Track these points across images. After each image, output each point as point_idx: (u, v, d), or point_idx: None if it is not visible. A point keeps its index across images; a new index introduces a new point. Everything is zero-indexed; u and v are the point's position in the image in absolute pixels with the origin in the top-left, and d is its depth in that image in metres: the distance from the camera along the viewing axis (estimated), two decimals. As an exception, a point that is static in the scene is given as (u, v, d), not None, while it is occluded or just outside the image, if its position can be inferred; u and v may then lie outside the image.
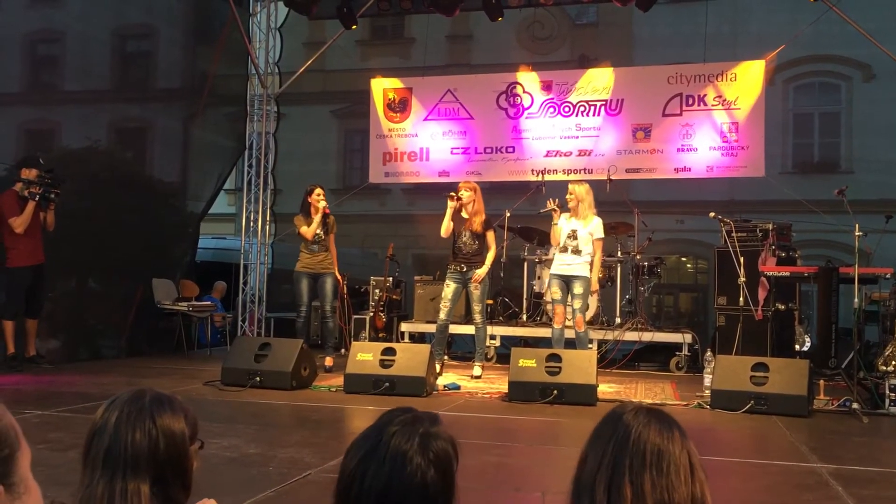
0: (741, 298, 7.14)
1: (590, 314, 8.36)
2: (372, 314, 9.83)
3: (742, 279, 7.13)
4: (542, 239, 9.77)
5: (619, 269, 9.25)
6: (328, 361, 7.71)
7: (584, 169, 10.18)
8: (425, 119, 10.89)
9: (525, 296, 9.67)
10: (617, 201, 9.44)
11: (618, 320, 9.09)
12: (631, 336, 8.70)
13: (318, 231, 7.57)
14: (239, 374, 6.56)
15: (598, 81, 10.35)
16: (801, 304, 8.53)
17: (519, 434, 5.29)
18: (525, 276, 9.80)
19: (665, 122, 10.04)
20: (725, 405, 5.84)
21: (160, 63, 10.79)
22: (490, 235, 7.34)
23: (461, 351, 9.81)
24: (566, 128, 10.38)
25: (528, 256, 9.76)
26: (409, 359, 6.41)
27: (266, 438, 4.56)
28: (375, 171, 11.14)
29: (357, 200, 12.03)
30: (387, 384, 6.24)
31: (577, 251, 7.04)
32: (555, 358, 6.25)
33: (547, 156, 10.40)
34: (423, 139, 10.88)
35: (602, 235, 7.20)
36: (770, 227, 8.08)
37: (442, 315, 7.37)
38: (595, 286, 7.25)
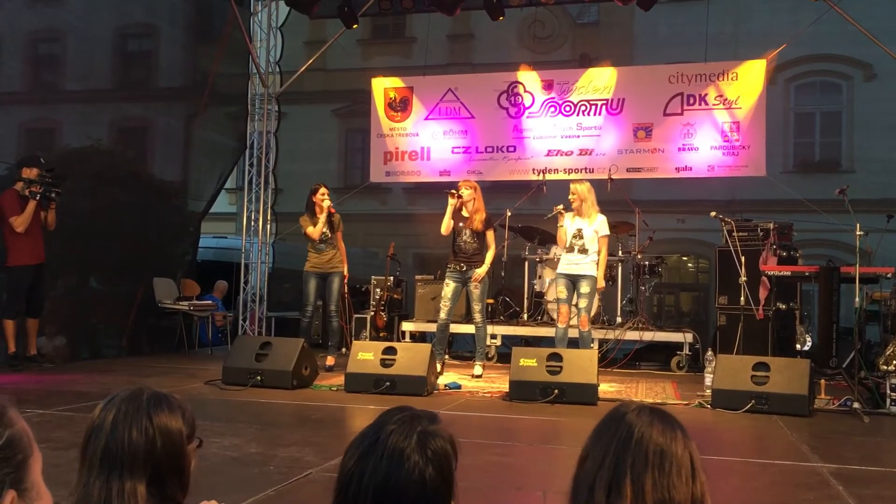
0: (742, 298, 7.14)
1: (591, 313, 8.37)
2: (373, 313, 9.83)
3: (743, 278, 7.13)
4: (543, 238, 9.77)
5: (620, 269, 9.25)
6: (329, 360, 7.72)
7: (586, 168, 10.18)
8: (426, 118, 10.89)
9: (526, 295, 9.67)
10: (618, 201, 9.44)
11: (619, 320, 9.09)
12: (632, 335, 8.70)
13: (324, 230, 7.58)
14: (240, 373, 6.56)
15: (599, 81, 10.35)
16: (802, 304, 8.53)
17: (520, 433, 5.30)
18: (526, 276, 9.80)
19: (666, 122, 10.04)
20: (726, 405, 5.84)
21: (161, 62, 10.79)
22: (490, 235, 7.34)
23: (462, 350, 9.82)
24: (567, 127, 10.38)
25: (529, 256, 9.76)
26: (410, 358, 6.42)
27: (267, 438, 4.57)
28: (376, 171, 11.14)
29: (358, 200, 12.04)
30: (388, 383, 6.24)
31: (583, 250, 7.05)
32: (556, 357, 6.25)
33: (548, 155, 10.40)
34: (423, 138, 10.88)
35: (607, 232, 7.21)
36: (771, 226, 8.08)
37: (442, 314, 7.37)
38: (602, 283, 7.26)
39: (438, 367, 7.08)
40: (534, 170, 10.34)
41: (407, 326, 9.63)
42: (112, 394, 1.56)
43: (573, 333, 7.18)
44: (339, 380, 6.69)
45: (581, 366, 6.19)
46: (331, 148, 16.31)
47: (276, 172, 11.25)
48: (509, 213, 9.56)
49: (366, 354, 6.51)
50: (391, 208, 14.91)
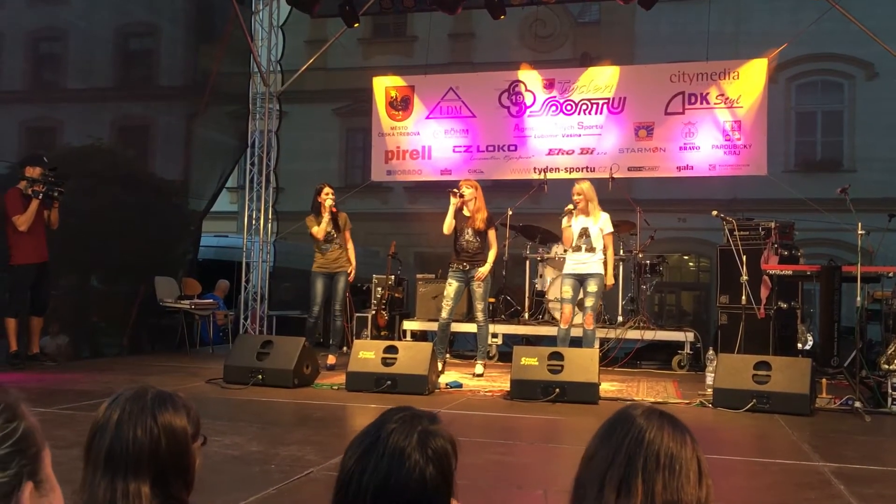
0: (743, 297, 7.13)
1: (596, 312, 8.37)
2: (374, 312, 9.84)
3: (744, 278, 7.12)
4: (544, 237, 9.77)
5: (621, 268, 9.24)
6: (330, 359, 7.72)
7: (587, 167, 10.18)
8: (427, 117, 10.88)
9: (527, 294, 9.67)
10: (619, 200, 9.43)
11: (620, 319, 9.08)
12: (633, 334, 8.70)
13: (329, 230, 7.58)
14: (241, 371, 6.56)
15: (600, 79, 10.35)
16: (804, 303, 8.52)
17: (521, 432, 5.30)
18: (527, 275, 9.80)
19: (667, 121, 10.03)
20: (727, 404, 5.84)
21: (162, 61, 10.79)
22: (491, 234, 7.35)
23: (463, 349, 9.82)
24: (568, 126, 10.37)
25: (531, 255, 9.76)
26: (411, 357, 6.42)
27: (268, 436, 4.57)
28: (377, 170, 11.14)
29: (359, 199, 12.03)
30: (389, 382, 6.24)
31: (591, 249, 7.05)
32: (557, 356, 6.25)
33: (549, 154, 10.40)
34: (424, 137, 10.87)
35: (611, 230, 7.22)
36: (772, 225, 8.07)
37: (444, 313, 7.37)
38: (611, 280, 7.27)
39: (440, 365, 7.08)
40: (535, 169, 10.33)
41: (408, 325, 9.63)
42: (116, 393, 1.56)
43: (576, 332, 7.18)
44: (341, 378, 6.69)
45: (582, 365, 6.19)
46: (332, 147, 16.32)
47: (277, 171, 11.25)
48: (510, 212, 9.56)
49: (367, 353, 6.51)
50: (392, 207, 14.91)
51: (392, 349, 6.51)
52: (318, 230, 7.53)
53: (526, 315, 9.47)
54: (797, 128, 14.77)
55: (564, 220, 7.16)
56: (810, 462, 4.23)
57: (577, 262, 7.12)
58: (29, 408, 0.93)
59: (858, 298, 6.16)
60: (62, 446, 3.84)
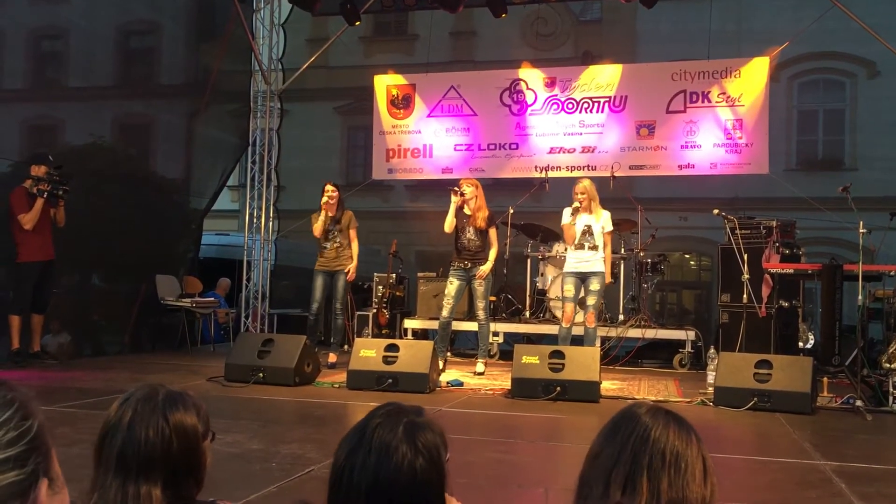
0: (745, 295, 7.13)
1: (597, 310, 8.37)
2: (375, 311, 9.84)
3: (746, 276, 7.12)
4: (545, 236, 9.77)
5: (622, 266, 9.24)
6: (331, 358, 7.72)
7: (588, 166, 10.17)
8: (428, 116, 10.88)
9: (528, 292, 9.67)
10: (620, 198, 9.43)
11: (621, 317, 9.08)
12: (634, 333, 8.70)
13: (330, 228, 7.59)
14: (242, 370, 6.57)
15: (601, 78, 10.34)
16: (805, 302, 8.52)
17: (522, 430, 5.30)
18: (528, 273, 9.79)
19: (669, 119, 10.02)
20: (728, 402, 5.84)
21: (164, 59, 10.79)
22: (493, 232, 7.36)
23: (464, 347, 9.83)
24: (570, 124, 10.36)
25: (532, 253, 9.76)
26: (412, 355, 6.42)
27: (269, 434, 4.57)
28: (378, 168, 11.14)
29: (360, 197, 12.01)
30: (390, 380, 6.25)
31: (594, 247, 7.06)
32: (558, 355, 6.26)
33: (550, 153, 10.39)
34: (426, 136, 10.87)
35: (611, 228, 7.25)
36: (774, 224, 8.07)
37: (445, 312, 7.38)
38: (609, 278, 7.28)
39: (441, 364, 7.09)
40: (536, 167, 10.32)
41: (409, 324, 9.63)
42: (127, 392, 1.56)
43: (577, 331, 7.18)
44: (342, 377, 6.69)
45: (583, 363, 6.19)
46: (333, 145, 16.31)
47: (278, 170, 11.24)
48: (511, 211, 9.55)
49: (368, 352, 6.51)
50: (393, 205, 14.90)
51: (393, 347, 6.52)
52: (316, 228, 7.55)
53: (527, 313, 9.47)
54: (799, 126, 14.74)
55: (568, 218, 7.14)
56: (811, 460, 4.23)
57: (579, 261, 7.12)
58: (38, 405, 0.94)
59: (860, 297, 6.15)
60: (63, 444, 3.84)
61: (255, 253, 10.91)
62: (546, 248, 9.66)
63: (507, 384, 6.40)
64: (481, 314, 7.35)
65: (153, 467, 1.47)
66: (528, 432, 5.26)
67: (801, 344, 7.72)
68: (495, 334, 8.88)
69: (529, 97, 10.54)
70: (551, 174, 10.05)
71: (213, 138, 10.94)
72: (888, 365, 5.91)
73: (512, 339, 9.10)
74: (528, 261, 9.79)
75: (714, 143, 9.88)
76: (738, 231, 7.51)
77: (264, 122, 11.06)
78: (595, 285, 7.04)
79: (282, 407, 5.76)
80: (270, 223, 11.12)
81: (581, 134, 10.32)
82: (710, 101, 9.90)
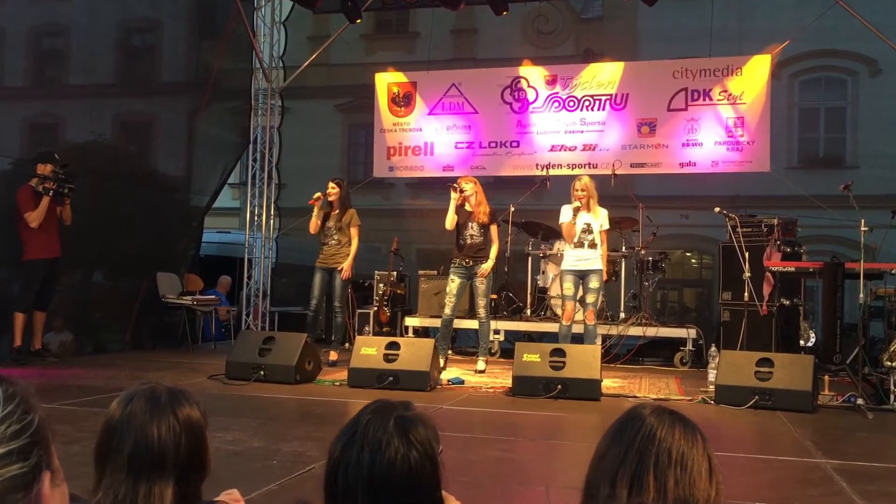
0: (746, 294, 7.12)
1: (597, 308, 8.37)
2: (376, 309, 9.84)
3: (747, 274, 7.11)
4: (546, 234, 9.76)
5: (623, 264, 9.23)
6: (332, 356, 7.72)
7: (589, 164, 10.16)
8: (429, 113, 10.87)
9: (529, 290, 9.66)
10: (621, 196, 9.42)
11: (622, 315, 9.08)
12: (635, 331, 8.69)
13: (330, 224, 7.60)
14: (243, 367, 6.57)
15: (602, 76, 10.32)
16: (806, 300, 8.50)
17: (522, 429, 5.29)
18: (529, 271, 9.79)
19: (670, 117, 10.00)
20: (730, 400, 5.84)
21: (164, 57, 10.78)
22: (494, 230, 7.38)
23: (465, 345, 9.83)
24: (571, 122, 10.35)
25: (533, 251, 9.75)
26: (413, 353, 6.42)
27: (270, 432, 4.57)
28: (379, 166, 11.14)
29: (361, 195, 12.00)
30: (390, 378, 6.25)
31: (593, 245, 7.07)
32: (559, 353, 6.25)
33: (552, 150, 10.38)
34: (427, 133, 10.86)
35: (608, 226, 7.25)
36: (775, 222, 8.05)
37: (447, 310, 7.38)
38: (605, 276, 7.29)
39: (441, 362, 7.08)
40: (537, 165, 10.30)
41: (410, 321, 9.62)
42: (128, 392, 1.55)
43: (578, 329, 7.18)
44: (343, 375, 6.69)
45: (584, 361, 6.18)
46: (334, 143, 16.30)
47: (279, 167, 11.24)
48: (513, 209, 9.55)
49: (369, 349, 6.51)
50: (394, 203, 14.90)
51: (394, 345, 6.51)
52: (310, 224, 7.59)
53: (528, 311, 9.47)
54: (800, 124, 14.72)
55: (569, 217, 7.11)
56: (812, 459, 4.23)
57: (578, 259, 7.11)
58: (39, 400, 0.95)
59: (861, 295, 6.15)
60: (64, 442, 3.84)
61: (255, 251, 10.92)
62: (547, 245, 9.65)
63: (508, 382, 6.40)
64: (482, 312, 7.35)
65: (165, 465, 1.48)
66: (529, 430, 5.26)
67: (802, 342, 7.69)
68: (496, 332, 8.88)
69: (530, 95, 10.53)
70: (552, 172, 10.04)
71: (213, 136, 10.94)
72: (889, 363, 5.90)
73: (513, 336, 9.09)
74: (529, 259, 9.78)
75: (715, 141, 9.87)
76: (739, 229, 7.50)
77: (265, 120, 11.06)
78: (594, 283, 7.04)
79: (283, 405, 5.76)
80: (271, 221, 11.12)
81: (582, 132, 10.31)
82: (711, 98, 9.88)
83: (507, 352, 8.63)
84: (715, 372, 6.25)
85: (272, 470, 3.63)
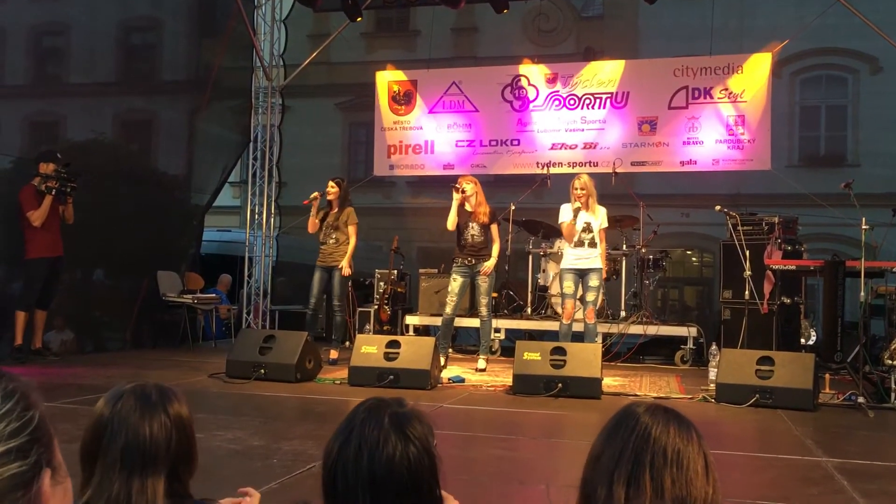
0: (747, 292, 7.12)
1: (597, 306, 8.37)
2: (376, 307, 9.84)
3: (748, 273, 7.10)
4: (547, 232, 9.76)
5: (624, 263, 9.23)
6: (333, 354, 7.72)
7: (590, 162, 10.15)
8: (430, 112, 10.86)
9: (530, 289, 9.66)
10: (622, 194, 9.41)
11: (623, 314, 9.07)
12: (636, 329, 8.69)
13: (329, 223, 7.61)
14: (243, 366, 6.57)
15: (603, 74, 10.32)
16: (807, 298, 8.49)
17: (523, 427, 5.29)
18: (530, 270, 9.79)
19: (671, 115, 10.00)
20: (730, 399, 5.83)
21: (165, 56, 10.78)
22: (495, 228, 7.39)
23: (465, 344, 9.82)
24: (571, 120, 10.34)
25: (533, 250, 9.75)
26: (414, 352, 6.41)
27: (270, 431, 4.57)
28: (380, 164, 11.13)
29: (361, 193, 12.00)
30: (391, 377, 6.25)
31: (593, 244, 7.07)
32: (559, 351, 6.25)
33: (552, 149, 10.37)
34: (427, 132, 10.86)
35: (607, 225, 7.26)
36: (776, 220, 8.05)
37: (448, 309, 7.38)
38: (605, 274, 7.30)
39: (442, 360, 7.09)
40: (538, 163, 10.30)
41: (410, 320, 9.62)
42: (116, 390, 1.56)
43: (578, 327, 7.18)
44: (343, 373, 6.69)
45: (585, 360, 6.18)
46: (335, 141, 16.30)
47: (279, 166, 11.24)
48: (513, 207, 9.54)
49: (369, 348, 6.51)
50: (395, 202, 14.90)
51: (394, 344, 6.51)
52: (309, 224, 7.60)
53: (528, 310, 9.47)
54: (801, 122, 14.71)
55: (569, 216, 7.10)
56: (813, 457, 4.22)
57: (578, 257, 7.11)
58: (39, 396, 0.94)
59: (862, 293, 6.14)
60: (64, 440, 3.84)
61: (256, 249, 10.92)
62: (548, 244, 9.65)
63: (509, 380, 6.40)
64: (484, 310, 7.36)
65: (158, 461, 1.49)
66: (530, 429, 5.26)
67: (802, 340, 7.69)
68: (497, 331, 8.88)
69: (531, 93, 10.53)
70: (553, 170, 10.04)
71: (214, 135, 10.94)
72: (890, 361, 5.89)
73: (513, 335, 9.09)
74: (530, 257, 9.78)
75: (716, 140, 9.86)
76: (739, 227, 7.49)
77: (265, 119, 11.06)
78: (594, 281, 7.04)
79: (283, 403, 5.76)
80: (272, 219, 11.12)
81: (583, 130, 10.30)
82: (712, 97, 9.87)
83: (507, 350, 8.63)
84: (715, 370, 6.24)
85: (273, 468, 3.63)
